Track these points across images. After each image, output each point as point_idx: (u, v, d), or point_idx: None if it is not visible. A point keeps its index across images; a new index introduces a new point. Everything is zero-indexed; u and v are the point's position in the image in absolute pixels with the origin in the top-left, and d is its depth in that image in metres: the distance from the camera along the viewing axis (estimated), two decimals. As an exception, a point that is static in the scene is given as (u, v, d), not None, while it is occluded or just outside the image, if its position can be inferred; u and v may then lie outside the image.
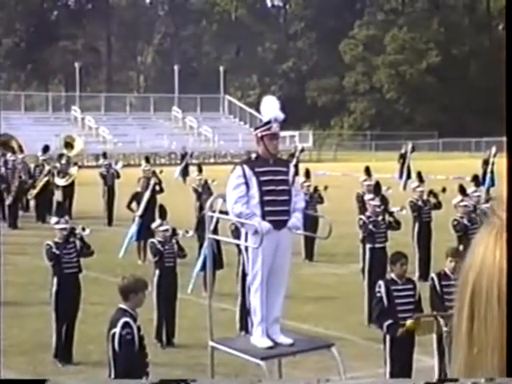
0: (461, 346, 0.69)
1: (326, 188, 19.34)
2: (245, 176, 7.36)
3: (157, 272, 11.88)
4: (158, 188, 18.81)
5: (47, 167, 24.55)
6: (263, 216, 7.30)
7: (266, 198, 7.34)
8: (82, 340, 11.03)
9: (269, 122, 7.55)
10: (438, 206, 16.58)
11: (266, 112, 7.71)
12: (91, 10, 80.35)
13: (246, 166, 7.46)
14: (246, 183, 7.35)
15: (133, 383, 7.82)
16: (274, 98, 8.03)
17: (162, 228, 12.29)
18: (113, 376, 7.77)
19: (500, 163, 27.61)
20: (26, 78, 77.29)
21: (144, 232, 16.21)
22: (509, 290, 0.65)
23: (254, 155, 7.75)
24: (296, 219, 7.52)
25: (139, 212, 17.48)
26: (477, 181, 18.07)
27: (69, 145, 26.95)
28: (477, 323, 0.68)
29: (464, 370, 0.68)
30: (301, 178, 16.89)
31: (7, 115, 53.59)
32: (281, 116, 7.62)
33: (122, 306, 7.89)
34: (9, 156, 25.43)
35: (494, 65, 69.74)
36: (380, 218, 13.93)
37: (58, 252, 11.24)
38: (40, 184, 23.96)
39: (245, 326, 10.42)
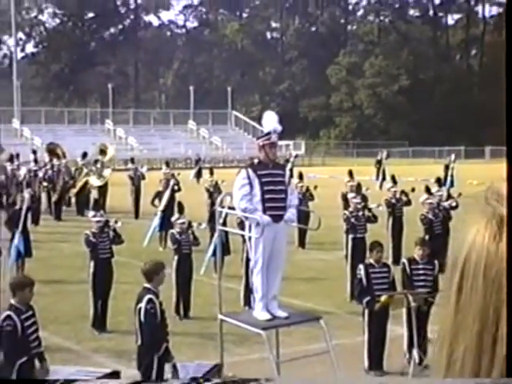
0: (449, 313, 0.69)
1: (315, 188, 19.31)
2: (249, 177, 7.33)
3: (175, 257, 11.87)
4: (176, 188, 18.78)
5: (85, 170, 24.55)
6: (264, 211, 7.27)
7: (267, 196, 7.32)
8: (114, 313, 11.03)
9: (269, 133, 7.52)
10: (408, 203, 16.55)
11: (266, 125, 7.68)
12: (122, 41, 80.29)
13: (249, 170, 7.44)
14: (250, 183, 7.32)
15: None
16: (272, 113, 7.99)
17: (179, 221, 12.27)
18: (139, 342, 7.74)
19: (458, 168, 27.57)
20: (68, 97, 77.24)
21: (165, 224, 16.18)
22: (509, 287, 0.64)
23: (256, 160, 7.70)
24: (291, 213, 7.50)
25: (161, 207, 17.46)
26: (439, 182, 18.05)
27: (103, 152, 26.87)
28: (464, 294, 0.67)
29: (449, 333, 0.68)
30: (295, 180, 16.87)
31: (53, 127, 53.67)
32: (279, 128, 7.59)
33: (147, 285, 7.88)
34: (55, 161, 25.42)
35: (454, 87, 69.79)
36: (360, 213, 13.92)
37: (94, 240, 11.24)
38: (79, 184, 23.96)
39: (248, 302, 10.41)
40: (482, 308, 0.65)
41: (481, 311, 0.65)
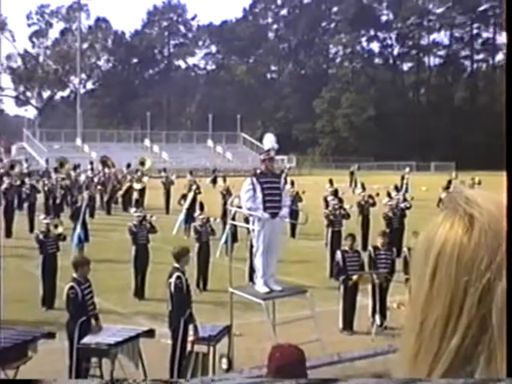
0: (423, 290, 0.65)
1: (303, 192, 19.31)
2: (253, 184, 7.35)
3: (197, 244, 11.87)
4: (197, 191, 18.80)
5: (129, 177, 24.57)
6: (264, 209, 7.29)
7: (266, 198, 7.33)
8: (151, 285, 11.03)
9: (268, 150, 7.54)
10: (373, 204, 16.54)
11: (266, 144, 7.70)
12: (158, 80, 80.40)
13: (253, 178, 7.46)
14: (254, 188, 7.34)
15: None
16: (271, 135, 8.00)
17: (200, 216, 12.29)
18: (170, 308, 7.72)
19: (411, 178, 27.45)
20: (117, 122, 77.32)
21: (189, 219, 16.20)
22: (509, 288, 0.61)
23: (258, 171, 7.72)
24: (285, 211, 7.51)
25: (186, 206, 17.48)
26: (397, 189, 18.09)
27: (142, 163, 26.92)
28: (438, 276, 0.65)
29: (423, 304, 0.66)
30: (288, 186, 16.85)
31: (106, 145, 53.72)
32: (276, 146, 7.61)
33: (175, 265, 7.87)
34: (106, 170, 25.48)
35: (408, 117, 69.74)
36: (337, 211, 13.93)
37: (135, 230, 11.26)
38: (124, 187, 23.98)
39: (252, 279, 10.41)
40: (454, 286, 0.63)
41: (453, 288, 0.63)
